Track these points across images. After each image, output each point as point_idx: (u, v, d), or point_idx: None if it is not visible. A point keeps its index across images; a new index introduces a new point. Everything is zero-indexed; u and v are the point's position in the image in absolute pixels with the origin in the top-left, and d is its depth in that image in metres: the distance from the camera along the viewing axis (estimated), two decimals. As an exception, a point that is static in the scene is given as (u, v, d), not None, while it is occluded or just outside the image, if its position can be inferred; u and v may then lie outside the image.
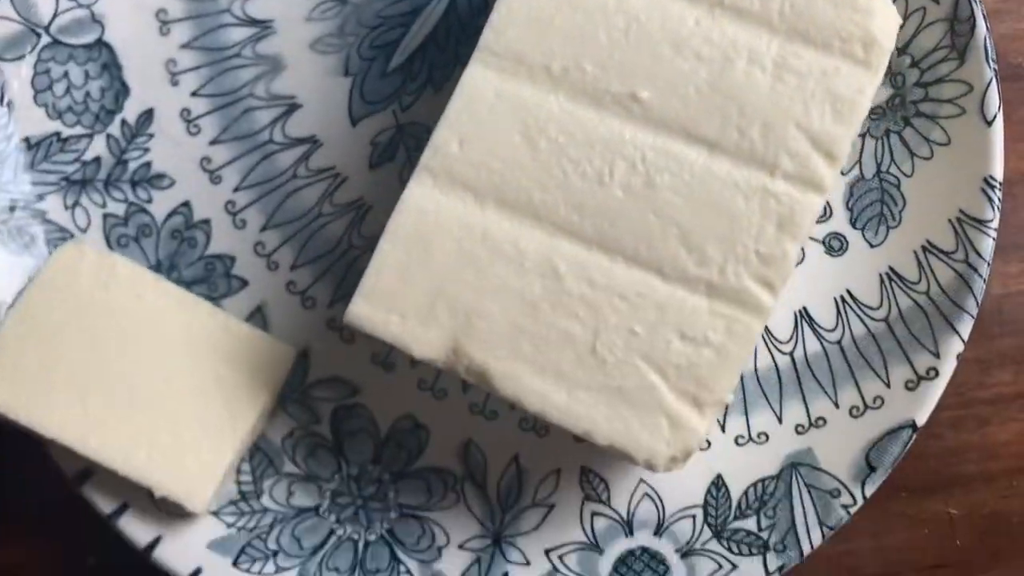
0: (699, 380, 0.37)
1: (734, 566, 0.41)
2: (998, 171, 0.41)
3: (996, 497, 0.45)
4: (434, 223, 0.37)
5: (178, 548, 0.42)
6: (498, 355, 0.37)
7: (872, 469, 0.41)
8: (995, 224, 0.41)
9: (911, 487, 0.45)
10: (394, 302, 0.37)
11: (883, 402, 0.42)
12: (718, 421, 0.43)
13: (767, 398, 0.43)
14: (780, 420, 0.43)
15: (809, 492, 0.42)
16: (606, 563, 0.43)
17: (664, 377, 0.37)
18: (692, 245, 0.37)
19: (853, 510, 0.41)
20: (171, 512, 0.42)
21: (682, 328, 0.37)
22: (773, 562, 0.41)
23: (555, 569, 0.43)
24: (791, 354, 0.43)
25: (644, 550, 0.43)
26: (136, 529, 0.42)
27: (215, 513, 0.43)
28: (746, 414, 0.43)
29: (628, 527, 0.43)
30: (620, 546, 0.43)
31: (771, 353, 0.43)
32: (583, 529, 0.43)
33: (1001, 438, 0.45)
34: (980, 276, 0.41)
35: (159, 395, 0.41)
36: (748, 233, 0.37)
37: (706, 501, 0.43)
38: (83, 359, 0.41)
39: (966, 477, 0.45)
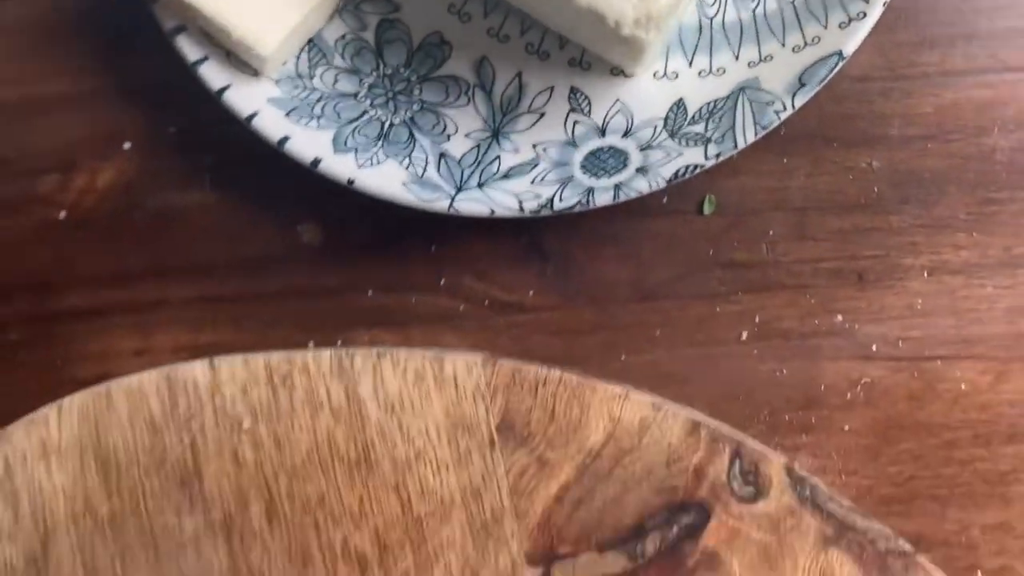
0: (664, -41, 0.47)
1: (680, 153, 0.51)
2: None
3: (912, 156, 0.54)
4: None
5: (243, 94, 0.53)
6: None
7: (803, 85, 0.50)
8: (929, -98, 0.50)
9: (842, 140, 0.54)
10: None
11: (819, 39, 0.51)
12: (687, 59, 0.53)
13: (729, 42, 0.53)
14: (737, 58, 0.52)
15: (750, 104, 0.51)
16: (579, 155, 0.52)
17: (637, -46, 0.47)
18: None
19: (783, 115, 0.50)
20: (241, 70, 0.53)
21: (656, -82, 0.47)
22: (712, 150, 0.50)
23: (537, 156, 0.53)
24: (754, 11, 0.53)
25: (611, 147, 0.52)
26: (213, 76, 0.53)
27: (276, 82, 0.54)
28: (710, 55, 0.53)
29: (602, 132, 0.53)
30: (592, 144, 0.53)
31: (738, 11, 0.53)
32: (565, 131, 0.53)
33: (922, 109, 0.54)
34: (910, -59, 0.50)
35: (245, -33, 0.52)
36: None
37: (667, 115, 0.52)
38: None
39: (889, 138, 0.54)
